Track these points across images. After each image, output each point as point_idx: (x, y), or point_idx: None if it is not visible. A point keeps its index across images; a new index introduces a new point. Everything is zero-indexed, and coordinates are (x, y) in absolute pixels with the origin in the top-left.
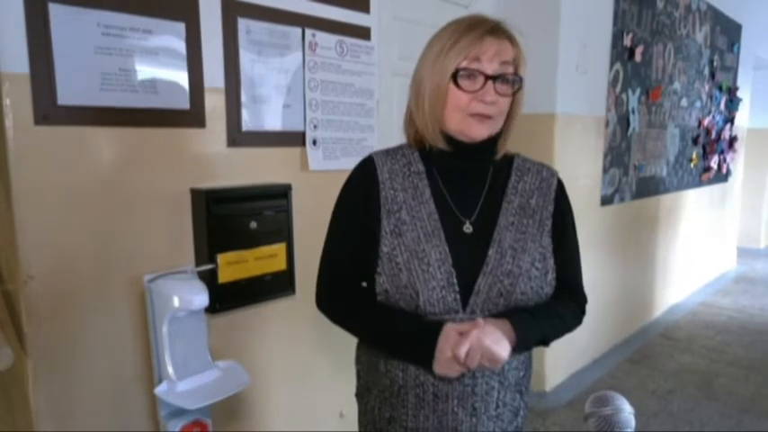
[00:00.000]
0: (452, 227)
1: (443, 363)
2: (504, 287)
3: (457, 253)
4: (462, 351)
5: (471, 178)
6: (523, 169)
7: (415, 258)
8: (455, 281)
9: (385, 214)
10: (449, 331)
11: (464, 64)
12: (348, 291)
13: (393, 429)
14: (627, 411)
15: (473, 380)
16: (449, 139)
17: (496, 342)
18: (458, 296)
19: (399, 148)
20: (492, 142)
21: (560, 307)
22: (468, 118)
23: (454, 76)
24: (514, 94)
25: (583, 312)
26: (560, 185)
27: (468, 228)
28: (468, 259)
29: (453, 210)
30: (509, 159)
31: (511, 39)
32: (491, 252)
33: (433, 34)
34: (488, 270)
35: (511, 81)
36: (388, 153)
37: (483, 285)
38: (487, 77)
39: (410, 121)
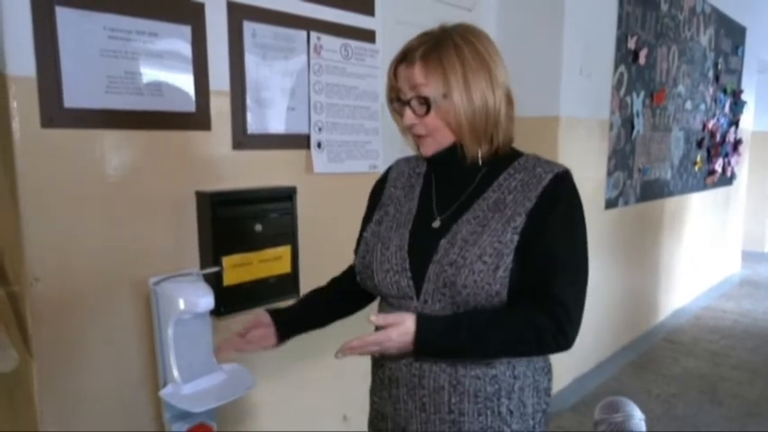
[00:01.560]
0: (424, 222)
1: None
2: (447, 277)
3: (417, 243)
4: (381, 321)
5: (464, 179)
6: (520, 167)
7: (379, 243)
8: (407, 266)
9: (378, 207)
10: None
11: (392, 94)
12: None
13: (372, 414)
14: (637, 417)
15: (420, 370)
16: None
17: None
18: (410, 282)
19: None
20: (454, 151)
21: (514, 323)
22: (415, 140)
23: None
24: (427, 113)
25: (561, 332)
26: (555, 183)
27: (436, 223)
28: (425, 250)
29: (432, 207)
30: (512, 159)
31: (408, 63)
32: (442, 242)
33: None
34: (437, 259)
35: (418, 104)
36: (409, 159)
37: (432, 274)
38: (404, 103)
39: None
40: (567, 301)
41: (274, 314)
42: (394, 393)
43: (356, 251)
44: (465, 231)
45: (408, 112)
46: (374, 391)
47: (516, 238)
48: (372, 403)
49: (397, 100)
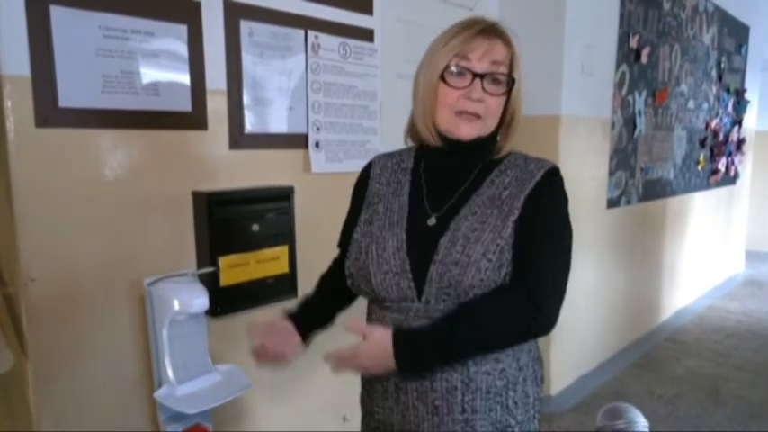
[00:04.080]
0: (418, 220)
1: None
2: (452, 277)
3: (414, 242)
4: (356, 329)
5: (457, 175)
6: (511, 164)
7: (373, 243)
8: (408, 268)
9: (366, 206)
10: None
11: (454, 62)
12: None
13: (371, 424)
14: (641, 425)
15: (431, 374)
16: (442, 137)
17: (373, 364)
18: (412, 284)
19: (404, 149)
20: (485, 142)
21: (494, 317)
22: (455, 117)
23: (443, 73)
24: (507, 93)
25: (538, 311)
26: (547, 177)
27: (431, 221)
28: (424, 249)
29: (424, 204)
30: (503, 156)
31: (504, 39)
32: (442, 241)
33: (436, 36)
34: (438, 258)
35: (501, 81)
36: (390, 154)
37: (434, 274)
38: (475, 75)
39: (412, 121)
40: (546, 284)
41: (290, 317)
42: (402, 401)
43: (343, 253)
44: (465, 228)
45: (478, 86)
46: (375, 401)
47: (513, 232)
48: (372, 414)
49: (456, 73)
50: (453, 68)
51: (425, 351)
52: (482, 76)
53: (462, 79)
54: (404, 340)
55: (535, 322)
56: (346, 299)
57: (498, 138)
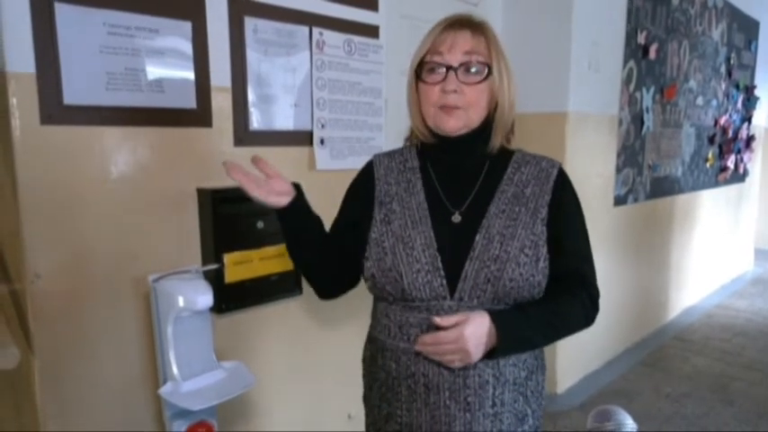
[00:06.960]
0: (441, 216)
1: None
2: (491, 272)
3: (443, 239)
4: (447, 322)
5: (465, 171)
6: (522, 162)
7: (400, 243)
8: (440, 265)
9: (377, 205)
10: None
11: (426, 58)
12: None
13: (390, 427)
14: (629, 427)
15: (464, 371)
16: (433, 133)
17: (477, 346)
18: (444, 281)
19: (401, 148)
20: (478, 135)
21: (566, 305)
22: (439, 112)
23: (418, 71)
24: (482, 82)
25: (595, 308)
26: (562, 176)
27: (456, 218)
28: (456, 246)
29: (443, 201)
30: (509, 154)
31: (473, 29)
32: (478, 237)
33: None
34: (475, 255)
35: (478, 70)
36: (389, 154)
37: (470, 271)
38: (449, 68)
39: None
40: (594, 281)
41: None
42: (433, 401)
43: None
44: (498, 225)
45: (452, 78)
46: (397, 403)
47: (544, 229)
48: (393, 416)
49: (430, 69)
50: (425, 64)
51: (523, 331)
52: (456, 68)
53: (438, 74)
54: (506, 319)
55: (593, 318)
56: (339, 280)
57: (491, 128)
